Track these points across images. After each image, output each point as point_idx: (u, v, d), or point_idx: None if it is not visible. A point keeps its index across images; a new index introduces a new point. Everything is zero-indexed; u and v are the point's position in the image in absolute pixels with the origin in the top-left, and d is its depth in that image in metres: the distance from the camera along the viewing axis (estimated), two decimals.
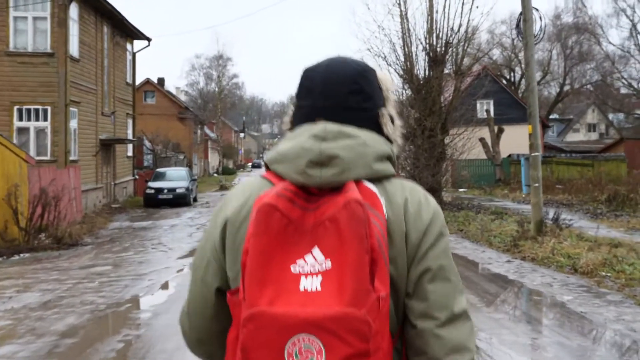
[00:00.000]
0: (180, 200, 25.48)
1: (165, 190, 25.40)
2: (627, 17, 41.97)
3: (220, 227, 1.41)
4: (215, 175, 59.49)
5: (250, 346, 1.19)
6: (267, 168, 1.41)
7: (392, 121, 1.48)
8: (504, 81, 44.32)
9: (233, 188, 1.50)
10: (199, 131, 56.99)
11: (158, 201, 25.12)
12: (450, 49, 21.24)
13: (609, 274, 9.19)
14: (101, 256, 12.55)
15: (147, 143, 37.83)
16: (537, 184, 12.51)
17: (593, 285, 8.63)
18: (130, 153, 29.82)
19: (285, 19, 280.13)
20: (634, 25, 41.54)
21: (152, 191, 25.36)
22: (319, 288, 1.19)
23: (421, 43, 21.19)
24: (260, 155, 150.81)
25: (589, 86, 52.71)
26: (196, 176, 52.74)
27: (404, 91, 21.76)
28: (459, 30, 20.76)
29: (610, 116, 67.32)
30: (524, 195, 26.00)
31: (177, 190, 25.54)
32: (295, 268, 1.22)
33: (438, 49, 21.00)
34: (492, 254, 11.78)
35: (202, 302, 1.44)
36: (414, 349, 1.34)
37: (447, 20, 20.62)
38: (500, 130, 33.26)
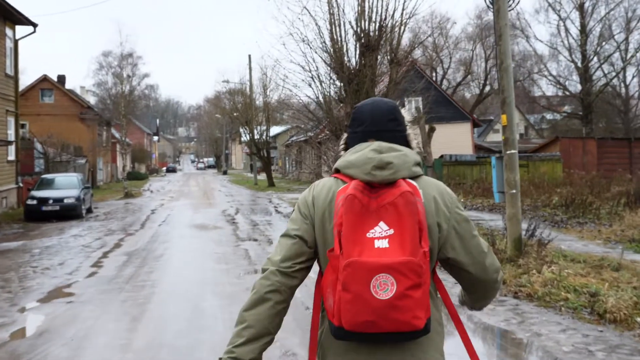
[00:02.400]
0: (70, 213, 21.33)
1: (51, 201, 21.19)
2: (555, 12, 40.63)
3: (311, 202, 2.15)
4: (123, 181, 54.67)
5: (349, 282, 1.85)
6: (337, 171, 2.15)
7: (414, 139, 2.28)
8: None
9: (312, 185, 2.21)
10: (104, 133, 52.03)
11: (42, 214, 20.95)
12: (385, 35, 18.40)
13: None
14: None
15: (38, 145, 33.10)
16: (514, 190, 9.67)
17: None
18: (12, 157, 25.43)
19: (200, 18, 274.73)
20: (562, 20, 40.23)
21: (35, 202, 21.12)
22: (387, 246, 1.89)
23: (352, 27, 18.26)
24: (177, 159, 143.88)
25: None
26: (101, 182, 48.17)
27: (331, 83, 18.78)
28: (393, 14, 17.95)
29: (527, 116, 67.02)
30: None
31: (65, 201, 21.35)
32: (369, 234, 1.91)
33: (371, 34, 18.10)
34: None
35: (296, 251, 2.13)
36: (467, 279, 2.19)
37: (380, 1, 17.77)
38: (432, 130, 30.92)
